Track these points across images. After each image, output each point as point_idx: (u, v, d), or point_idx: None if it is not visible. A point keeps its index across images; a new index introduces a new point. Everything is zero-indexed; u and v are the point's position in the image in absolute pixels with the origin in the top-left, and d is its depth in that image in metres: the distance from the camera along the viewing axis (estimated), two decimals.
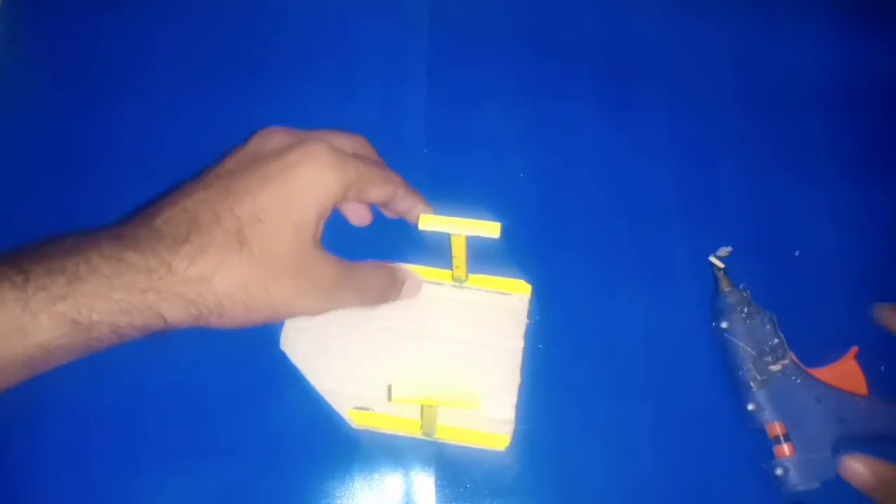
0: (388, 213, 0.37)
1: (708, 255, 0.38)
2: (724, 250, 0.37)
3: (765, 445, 0.34)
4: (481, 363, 0.35)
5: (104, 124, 0.40)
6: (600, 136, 0.40)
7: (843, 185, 0.40)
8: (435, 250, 0.36)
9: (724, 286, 0.37)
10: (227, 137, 0.34)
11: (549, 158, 0.40)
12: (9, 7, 0.43)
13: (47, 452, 0.34)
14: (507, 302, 0.36)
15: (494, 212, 0.32)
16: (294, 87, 0.41)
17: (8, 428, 0.34)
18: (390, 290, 0.35)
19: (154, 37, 0.42)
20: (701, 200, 0.39)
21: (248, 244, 0.29)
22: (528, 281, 0.36)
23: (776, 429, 0.34)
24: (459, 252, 0.34)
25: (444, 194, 0.37)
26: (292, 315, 0.33)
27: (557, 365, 0.36)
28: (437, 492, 0.34)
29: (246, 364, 0.35)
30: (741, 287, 0.37)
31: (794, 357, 0.35)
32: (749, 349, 0.35)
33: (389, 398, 0.33)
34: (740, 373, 0.35)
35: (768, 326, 0.35)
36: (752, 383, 0.35)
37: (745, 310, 0.36)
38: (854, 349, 0.36)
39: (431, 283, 0.36)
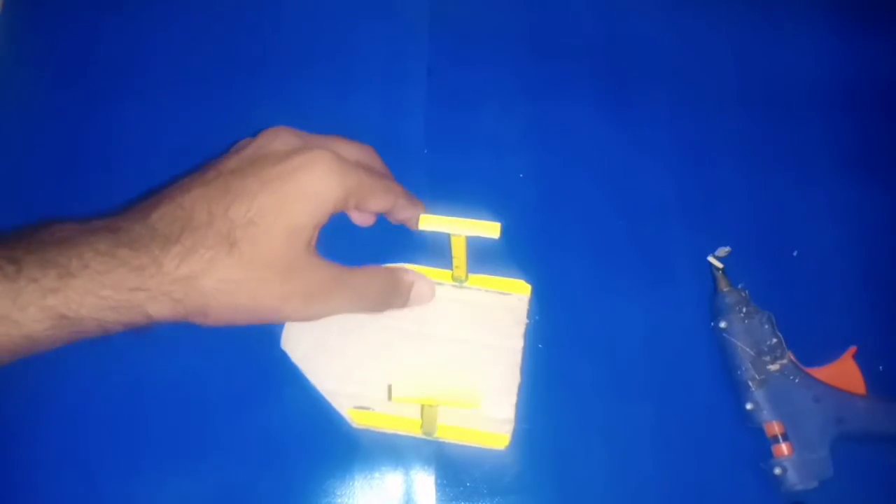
0: (389, 219, 0.37)
1: (707, 255, 0.38)
2: (723, 250, 0.38)
3: (763, 445, 0.34)
4: (481, 363, 0.35)
5: (104, 124, 0.40)
6: (600, 136, 0.40)
7: (841, 186, 0.40)
8: (435, 250, 0.36)
9: (723, 286, 0.37)
10: (226, 137, 0.34)
11: (549, 158, 0.40)
12: (9, 7, 0.42)
13: (47, 451, 0.34)
14: (507, 302, 0.36)
15: (494, 212, 0.32)
16: (294, 86, 0.41)
17: (8, 428, 0.34)
18: (393, 296, 0.34)
19: (154, 37, 0.42)
20: (700, 200, 0.40)
21: (239, 246, 0.29)
22: (528, 281, 0.36)
23: (774, 428, 0.34)
24: (459, 252, 0.34)
25: (444, 194, 0.37)
26: (280, 320, 0.32)
27: (557, 364, 0.36)
28: (437, 491, 0.34)
29: (246, 363, 0.35)
30: (740, 287, 0.37)
31: (792, 357, 0.35)
32: (747, 349, 0.35)
33: (389, 398, 0.33)
34: (739, 372, 0.35)
35: (767, 326, 0.35)
36: (750, 383, 0.35)
37: (744, 309, 0.36)
38: (852, 349, 0.36)
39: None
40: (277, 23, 0.42)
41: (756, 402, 0.34)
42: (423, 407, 0.32)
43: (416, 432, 0.34)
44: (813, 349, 0.36)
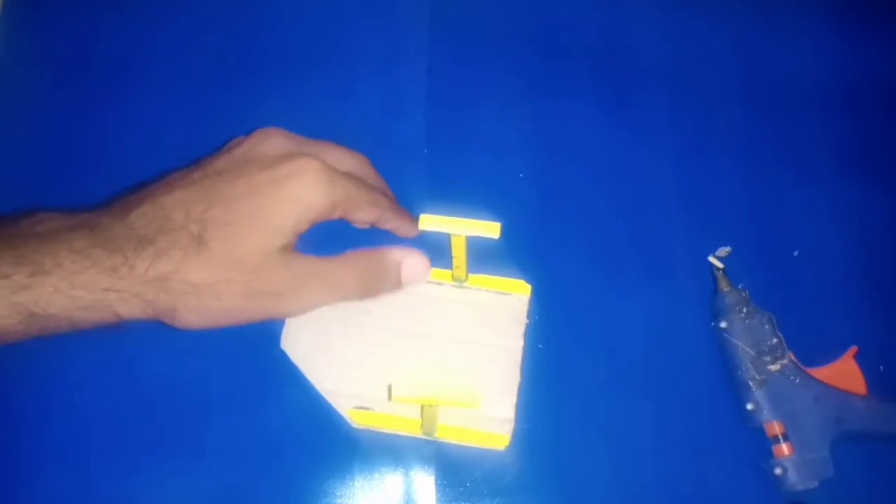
0: (377, 227, 0.37)
1: (707, 255, 0.38)
2: (723, 250, 0.38)
3: (763, 445, 0.34)
4: (481, 363, 0.35)
5: (104, 124, 0.40)
6: (600, 136, 0.40)
7: (842, 185, 0.40)
8: (435, 250, 0.36)
9: (723, 286, 0.37)
10: (226, 137, 0.34)
11: (549, 158, 0.40)
12: (9, 7, 0.42)
13: (47, 451, 0.34)
14: (507, 302, 0.36)
15: (494, 212, 0.32)
16: (294, 86, 0.41)
17: (8, 428, 0.34)
18: (379, 279, 0.34)
19: (154, 37, 0.42)
20: (700, 200, 0.40)
21: (209, 247, 0.28)
22: (528, 281, 0.36)
23: (775, 428, 0.34)
24: (459, 252, 0.34)
25: (444, 194, 0.37)
26: (253, 320, 0.31)
27: (557, 364, 0.36)
28: (437, 491, 0.34)
29: (246, 363, 0.35)
30: (740, 287, 0.37)
31: (792, 357, 0.35)
32: (748, 349, 0.35)
33: (389, 398, 0.33)
34: (739, 372, 0.35)
35: (767, 326, 0.35)
36: (750, 383, 0.35)
37: (744, 310, 0.36)
38: (853, 349, 0.36)
39: (431, 283, 0.36)
40: (277, 23, 0.42)
41: (756, 402, 0.34)
42: (423, 407, 0.32)
43: (416, 432, 0.34)
44: (813, 349, 0.36)
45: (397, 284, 0.34)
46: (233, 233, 0.29)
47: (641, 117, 0.41)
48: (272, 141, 0.32)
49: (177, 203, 0.29)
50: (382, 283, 0.34)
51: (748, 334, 0.35)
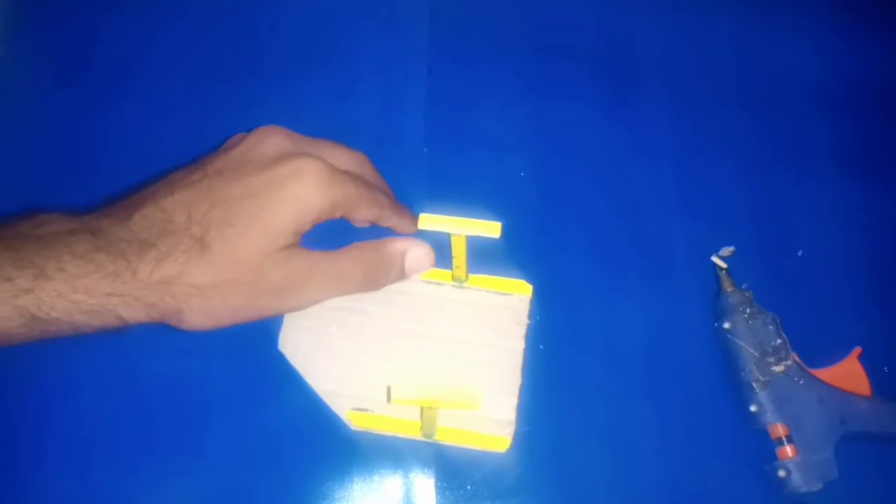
0: (377, 224, 0.37)
1: (710, 255, 0.37)
2: (727, 250, 0.37)
3: (767, 447, 0.34)
4: (482, 364, 0.34)
5: (104, 124, 0.40)
6: (600, 135, 0.40)
7: (845, 185, 0.40)
8: (435, 250, 0.36)
9: (727, 286, 0.36)
10: (226, 137, 0.34)
11: (549, 158, 0.40)
12: (9, 7, 0.43)
13: (46, 451, 0.33)
14: (508, 302, 0.36)
15: (494, 212, 0.31)
16: (294, 86, 0.41)
17: (8, 427, 0.34)
18: (383, 271, 0.34)
19: (154, 37, 0.42)
20: (702, 200, 0.39)
21: (211, 249, 0.28)
22: (528, 281, 0.36)
23: (778, 430, 0.34)
24: (459, 252, 0.33)
25: (444, 194, 0.37)
26: (257, 317, 0.32)
27: (558, 366, 0.35)
28: (437, 494, 0.33)
29: (244, 364, 0.35)
30: (743, 287, 0.36)
31: (796, 358, 0.35)
32: (751, 350, 0.35)
33: (389, 399, 0.33)
34: (742, 374, 0.35)
35: (771, 327, 0.35)
36: (754, 384, 0.34)
37: (748, 310, 0.35)
38: (857, 350, 0.36)
39: (431, 283, 0.36)
40: (277, 22, 0.42)
41: (760, 404, 0.34)
42: (422, 409, 0.32)
43: (416, 434, 0.33)
44: (817, 350, 0.36)
45: (402, 275, 0.34)
46: (234, 234, 0.29)
47: (642, 117, 0.41)
48: (271, 140, 0.32)
49: (178, 205, 0.29)
50: (387, 275, 0.34)
51: (752, 335, 0.35)
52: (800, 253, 0.39)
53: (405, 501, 0.33)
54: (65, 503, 0.33)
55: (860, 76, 0.43)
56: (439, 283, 0.36)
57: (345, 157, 0.34)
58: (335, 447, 0.34)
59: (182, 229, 0.28)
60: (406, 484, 0.34)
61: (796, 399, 0.34)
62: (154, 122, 0.40)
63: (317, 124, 0.35)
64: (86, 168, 0.39)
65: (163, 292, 0.28)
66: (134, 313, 0.28)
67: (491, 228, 0.30)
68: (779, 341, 0.35)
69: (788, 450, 0.33)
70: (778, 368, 0.34)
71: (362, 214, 0.33)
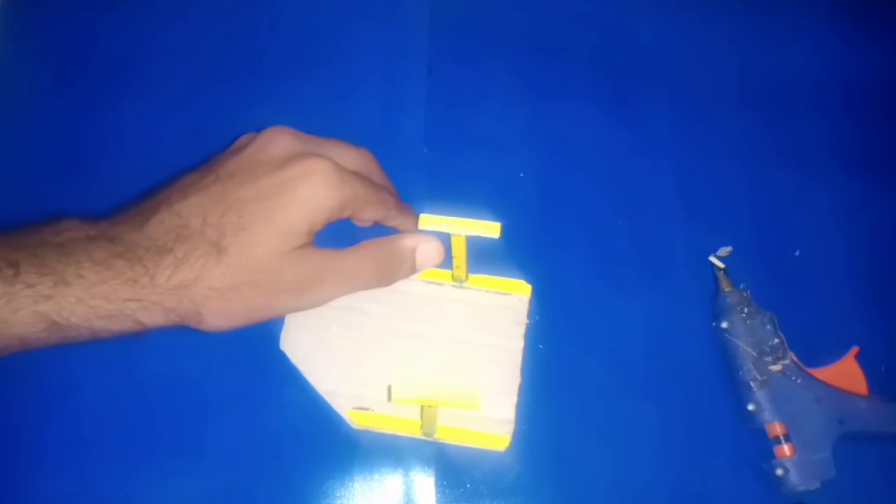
0: (381, 224, 0.37)
1: (708, 255, 0.38)
2: (725, 250, 0.37)
3: (765, 445, 0.34)
4: (481, 363, 0.35)
5: (104, 124, 0.40)
6: (600, 135, 0.40)
7: (843, 185, 0.40)
8: None
9: (725, 286, 0.37)
10: (226, 137, 0.34)
11: (549, 158, 0.40)
12: (9, 7, 0.42)
13: (47, 451, 0.33)
14: (508, 302, 0.36)
15: (494, 212, 0.32)
16: (294, 86, 0.41)
17: (8, 427, 0.34)
18: (394, 267, 0.34)
19: (154, 36, 0.42)
20: (701, 200, 0.39)
21: (228, 252, 0.29)
22: (528, 281, 0.36)
23: (776, 429, 0.34)
24: (459, 252, 0.33)
25: (444, 194, 0.37)
26: (275, 315, 0.33)
27: (558, 365, 0.36)
28: (437, 492, 0.34)
29: (246, 364, 0.35)
30: (741, 287, 0.37)
31: (794, 357, 0.35)
32: (749, 349, 0.35)
33: (389, 398, 0.33)
34: (740, 373, 0.35)
35: (768, 326, 0.35)
36: (752, 383, 0.35)
37: (746, 310, 0.36)
38: (854, 349, 0.36)
39: (431, 283, 0.36)
40: (277, 22, 0.42)
41: (758, 403, 0.34)
42: (422, 408, 0.32)
43: (416, 433, 0.34)
44: (815, 349, 0.36)
45: (412, 270, 0.35)
46: (249, 238, 0.29)
47: (642, 117, 0.41)
48: (280, 141, 0.32)
49: (192, 210, 0.29)
50: (399, 270, 0.34)
51: (749, 334, 0.35)
52: (797, 253, 0.39)
53: (405, 500, 0.33)
54: (65, 503, 0.33)
55: (860, 76, 0.43)
56: (439, 283, 0.36)
57: (352, 156, 0.34)
58: (336, 446, 0.34)
59: (198, 234, 0.29)
60: (406, 482, 0.34)
61: (794, 398, 0.34)
62: (154, 122, 0.40)
63: (317, 124, 0.35)
64: (85, 168, 0.39)
65: (181, 296, 0.28)
66: (152, 317, 0.29)
67: (491, 229, 0.31)
68: (776, 341, 0.35)
69: (786, 448, 0.34)
70: (775, 368, 0.35)
71: (369, 214, 0.33)
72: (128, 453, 0.33)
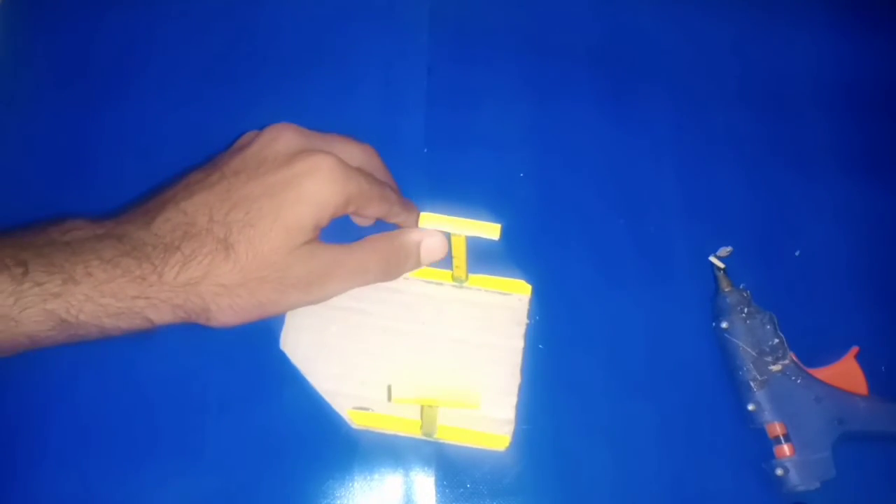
0: (384, 221, 0.37)
1: (708, 255, 0.38)
2: (725, 250, 0.37)
3: (765, 445, 0.34)
4: (481, 363, 0.35)
5: (104, 123, 0.40)
6: (600, 135, 0.40)
7: (843, 185, 0.40)
8: None
9: (725, 286, 0.37)
10: (227, 136, 0.34)
11: (549, 158, 0.40)
12: (9, 7, 0.42)
13: (47, 451, 0.33)
14: (508, 302, 0.36)
15: (494, 212, 0.32)
16: (294, 86, 0.41)
17: (8, 427, 0.34)
18: (400, 261, 0.34)
19: (154, 36, 0.42)
20: (701, 200, 0.39)
21: (235, 249, 0.29)
22: (528, 281, 0.36)
23: (776, 429, 0.34)
24: (459, 252, 0.34)
25: (444, 194, 0.37)
26: (282, 311, 0.33)
27: (558, 365, 0.36)
28: (437, 492, 0.34)
29: (246, 364, 0.35)
30: (741, 287, 0.37)
31: (794, 357, 0.35)
32: (749, 349, 0.35)
33: (389, 398, 0.33)
34: (740, 373, 0.35)
35: (768, 326, 0.35)
36: (752, 383, 0.35)
37: (746, 310, 0.36)
38: (854, 349, 0.36)
39: (431, 283, 0.36)
40: (277, 22, 0.42)
41: (758, 403, 0.34)
42: (422, 408, 0.32)
43: (416, 433, 0.34)
44: (815, 349, 0.36)
45: (417, 264, 0.35)
46: (257, 235, 0.29)
47: (642, 117, 0.41)
48: (284, 137, 0.32)
49: (198, 207, 0.30)
50: (404, 264, 0.34)
51: (749, 334, 0.35)
52: (797, 253, 0.39)
53: (405, 500, 0.33)
54: (65, 503, 0.33)
55: (860, 76, 0.43)
56: (439, 283, 0.36)
57: (356, 152, 0.34)
58: (336, 446, 0.34)
59: (204, 232, 0.29)
60: (406, 482, 0.34)
61: (794, 398, 0.34)
62: (154, 122, 0.40)
63: (317, 124, 0.35)
64: (85, 168, 0.39)
65: (189, 293, 0.29)
66: (161, 315, 0.29)
67: (491, 230, 0.31)
68: (776, 341, 0.35)
69: (786, 448, 0.34)
70: (775, 368, 0.35)
71: (373, 210, 0.33)
72: (128, 453, 0.33)
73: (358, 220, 0.36)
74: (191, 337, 0.31)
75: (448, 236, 0.32)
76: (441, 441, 0.34)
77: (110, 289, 0.27)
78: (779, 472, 0.34)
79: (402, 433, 0.34)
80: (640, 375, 0.36)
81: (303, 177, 0.30)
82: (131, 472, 0.33)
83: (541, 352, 0.36)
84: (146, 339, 0.29)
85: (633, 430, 0.35)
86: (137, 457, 0.33)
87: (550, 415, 0.35)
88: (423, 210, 0.31)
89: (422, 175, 0.38)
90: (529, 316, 0.36)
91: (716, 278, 0.37)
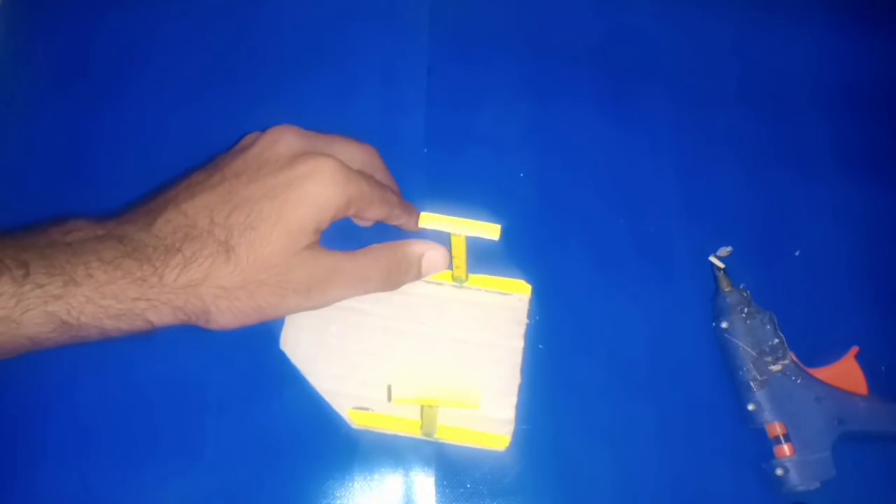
0: (385, 222, 0.37)
1: (708, 255, 0.38)
2: (725, 250, 0.37)
3: (765, 445, 0.34)
4: (481, 363, 0.35)
5: (104, 123, 0.40)
6: (600, 135, 0.40)
7: (843, 185, 0.40)
8: None
9: (725, 286, 0.37)
10: (227, 136, 0.34)
11: (549, 158, 0.40)
12: (9, 7, 0.42)
13: (47, 451, 0.33)
14: (508, 302, 0.36)
15: (494, 212, 0.32)
16: (294, 86, 0.41)
17: (8, 427, 0.34)
18: (402, 272, 0.34)
19: (154, 36, 0.42)
20: (701, 200, 0.39)
21: (236, 252, 0.29)
22: (528, 281, 0.36)
23: (776, 429, 0.34)
24: (459, 252, 0.34)
25: (444, 194, 0.37)
26: (282, 315, 0.33)
27: (558, 365, 0.36)
28: (437, 492, 0.34)
29: (246, 364, 0.35)
30: (741, 287, 0.37)
31: (794, 357, 0.35)
32: (749, 349, 0.35)
33: (389, 398, 0.33)
34: (740, 373, 0.35)
35: (768, 326, 0.35)
36: (752, 383, 0.35)
37: (746, 310, 0.36)
38: (854, 349, 0.36)
39: (431, 283, 0.36)
40: (277, 22, 0.42)
41: (758, 403, 0.34)
42: (422, 408, 0.32)
43: (416, 433, 0.34)
44: (815, 349, 0.36)
45: (418, 275, 0.35)
46: (258, 238, 0.29)
47: (642, 116, 0.41)
48: (286, 139, 0.32)
49: (199, 209, 0.30)
50: (405, 276, 0.35)
51: (749, 334, 0.35)
52: (797, 253, 0.39)
53: (405, 499, 0.33)
54: (65, 503, 0.33)
55: (860, 76, 0.43)
56: (439, 283, 0.36)
57: (357, 153, 0.34)
58: (336, 446, 0.34)
59: (205, 233, 0.29)
60: (406, 482, 0.34)
61: (794, 398, 0.34)
62: (154, 122, 0.40)
63: (317, 124, 0.35)
64: (85, 168, 0.39)
65: (189, 295, 0.29)
66: (161, 316, 0.29)
67: (491, 230, 0.31)
68: (776, 341, 0.35)
69: (786, 448, 0.34)
70: (775, 368, 0.35)
71: (374, 212, 0.33)
72: (128, 453, 0.33)
73: (358, 222, 0.36)
74: (191, 337, 0.31)
75: (448, 236, 0.32)
76: (441, 441, 0.34)
77: (111, 290, 0.27)
78: (779, 472, 0.34)
79: (402, 433, 0.34)
80: (640, 375, 0.36)
81: (304, 179, 0.30)
82: (131, 472, 0.33)
83: (541, 352, 0.36)
84: (141, 341, 0.29)
85: (633, 430, 0.35)
86: (137, 457, 0.33)
87: (550, 415, 0.35)
88: (423, 210, 0.31)
89: (422, 175, 0.38)
90: (529, 316, 0.36)
91: (716, 278, 0.37)
